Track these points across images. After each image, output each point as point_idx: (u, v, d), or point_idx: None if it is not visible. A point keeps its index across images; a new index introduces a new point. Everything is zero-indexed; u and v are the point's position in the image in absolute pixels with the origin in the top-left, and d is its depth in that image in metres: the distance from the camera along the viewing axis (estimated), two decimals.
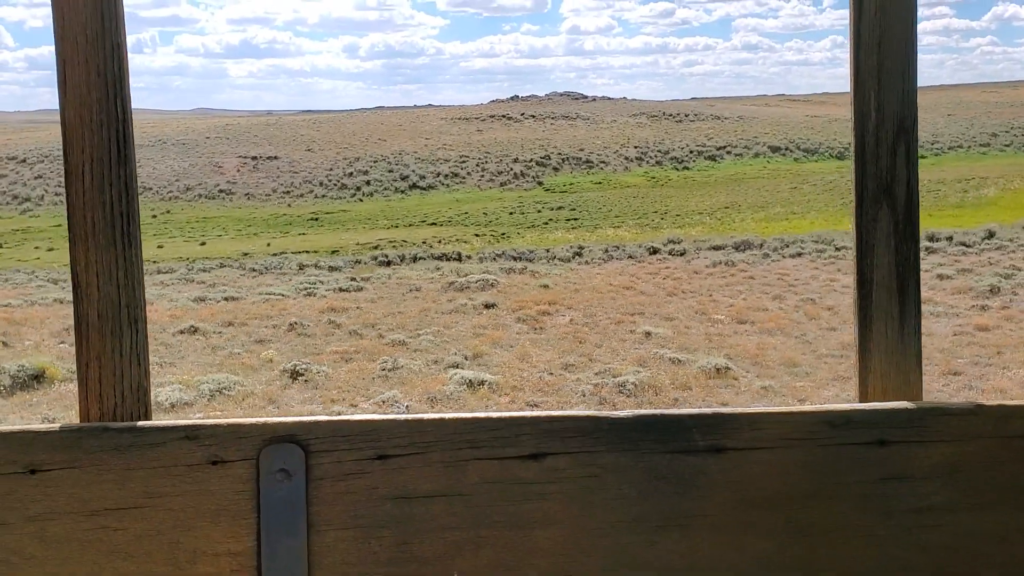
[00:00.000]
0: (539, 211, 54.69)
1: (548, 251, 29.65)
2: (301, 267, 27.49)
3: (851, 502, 1.57)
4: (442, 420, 1.55)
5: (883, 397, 1.63)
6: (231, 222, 54.27)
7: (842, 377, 7.74)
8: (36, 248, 44.62)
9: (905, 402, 1.61)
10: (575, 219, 50.48)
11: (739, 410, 1.60)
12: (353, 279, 16.48)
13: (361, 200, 62.74)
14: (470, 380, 7.42)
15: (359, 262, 29.86)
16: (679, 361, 8.39)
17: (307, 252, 39.16)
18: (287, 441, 1.53)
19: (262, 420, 1.55)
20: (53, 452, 1.52)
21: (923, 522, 1.58)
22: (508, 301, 12.71)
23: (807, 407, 1.61)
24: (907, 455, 1.57)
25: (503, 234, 45.13)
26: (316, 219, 54.54)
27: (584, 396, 7.09)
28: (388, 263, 28.99)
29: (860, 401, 1.65)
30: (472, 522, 1.54)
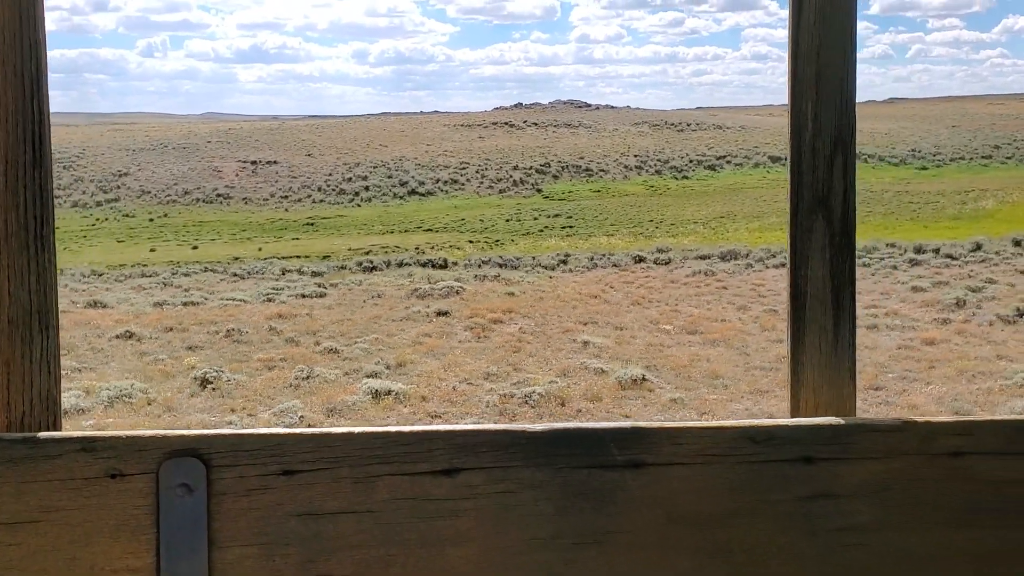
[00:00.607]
0: (535, 218, 54.65)
1: (535, 259, 29.59)
2: (284, 272, 27.47)
3: (775, 520, 1.53)
4: (350, 434, 1.50)
5: (815, 412, 1.59)
6: (226, 226, 54.33)
7: (760, 391, 7.65)
8: None
9: (831, 418, 1.57)
10: (570, 227, 50.41)
11: (658, 424, 1.55)
12: (321, 285, 16.44)
13: (359, 206, 62.76)
14: (377, 390, 7.33)
15: (344, 267, 29.82)
16: (602, 371, 8.30)
17: (297, 257, 39.18)
18: (188, 455, 1.48)
19: (162, 433, 1.50)
20: None
21: (849, 541, 1.54)
22: (465, 309, 12.65)
23: (729, 422, 1.56)
24: (833, 472, 1.53)
25: (497, 241, 45.09)
26: (312, 224, 54.57)
27: (488, 407, 6.99)
28: (373, 269, 28.97)
29: (792, 415, 1.61)
30: (382, 540, 1.49)
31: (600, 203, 61.28)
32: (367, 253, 39.06)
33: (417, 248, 41.83)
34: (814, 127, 1.59)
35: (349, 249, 41.84)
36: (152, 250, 43.06)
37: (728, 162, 77.73)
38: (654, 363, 8.94)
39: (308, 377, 8.28)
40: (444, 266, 30.33)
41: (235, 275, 26.54)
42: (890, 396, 7.69)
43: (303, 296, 14.68)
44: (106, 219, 58.38)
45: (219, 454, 1.49)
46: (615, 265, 29.03)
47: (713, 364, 9.17)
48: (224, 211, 61.10)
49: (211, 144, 77.74)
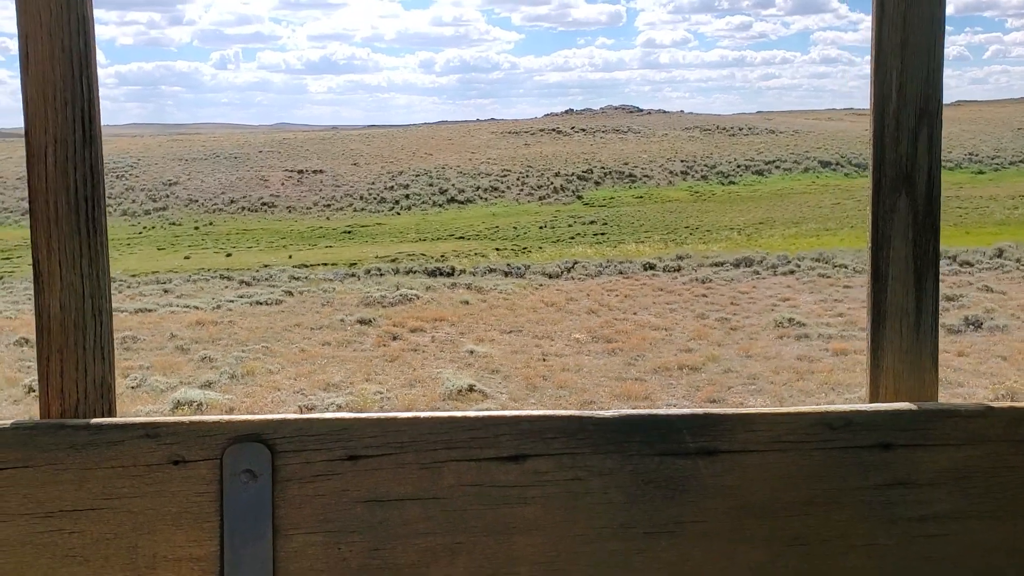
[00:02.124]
0: (570, 225, 54.45)
1: (543, 267, 29.45)
2: (292, 279, 27.82)
3: (851, 509, 1.48)
4: (416, 419, 1.47)
5: (895, 398, 1.54)
6: (267, 234, 55.26)
7: (587, 401, 7.48)
8: None
9: (909, 403, 1.52)
10: (603, 233, 50.10)
11: (732, 411, 1.51)
12: (290, 292, 16.56)
13: (398, 214, 63.30)
14: (179, 400, 7.35)
15: (353, 276, 30.10)
16: (447, 381, 8.20)
17: (325, 265, 39.63)
18: (252, 440, 1.45)
19: (227, 418, 1.48)
20: (6, 450, 1.44)
21: (929, 531, 1.49)
22: (396, 318, 12.62)
23: (806, 408, 1.52)
24: (912, 460, 1.48)
25: (525, 248, 45.02)
26: (349, 232, 55.18)
27: None
28: (381, 275, 29.16)
29: (871, 402, 1.56)
30: (448, 527, 1.46)
31: (640, 209, 60.81)
32: (394, 260, 39.37)
33: (443, 256, 42.00)
34: (899, 98, 1.50)
35: (376, 257, 42.19)
36: (187, 258, 44.00)
37: (777, 167, 76.51)
38: (516, 373, 8.81)
39: (137, 386, 8.33)
40: (451, 274, 30.40)
41: (243, 282, 26.95)
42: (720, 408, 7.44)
43: (258, 303, 14.84)
44: (153, 227, 59.85)
45: (285, 439, 1.45)
46: (621, 272, 28.79)
47: (578, 375, 9.03)
48: (268, 219, 62.18)
49: (262, 154, 79.20)
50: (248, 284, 26.17)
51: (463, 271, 29.76)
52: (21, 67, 1.47)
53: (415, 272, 29.53)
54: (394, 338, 10.95)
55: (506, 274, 28.69)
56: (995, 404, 1.52)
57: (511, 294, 17.26)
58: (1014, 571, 1.50)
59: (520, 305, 15.10)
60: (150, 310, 14.23)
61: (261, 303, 14.93)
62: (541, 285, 22.43)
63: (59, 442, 1.44)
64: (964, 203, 56.11)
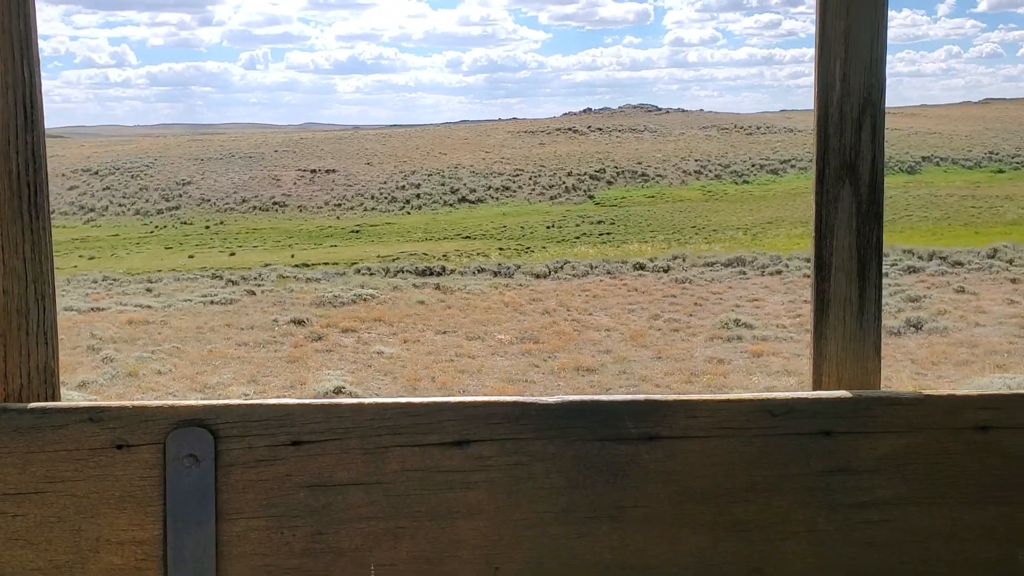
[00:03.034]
0: (577, 225, 54.25)
1: (532, 267, 29.32)
2: (282, 278, 27.90)
3: (792, 495, 1.49)
4: (360, 405, 1.48)
5: (838, 386, 1.54)
6: (276, 233, 55.50)
7: None
8: (79, 257, 46.45)
9: (850, 391, 1.52)
10: (608, 233, 49.87)
11: (674, 397, 1.51)
12: (251, 292, 16.57)
13: (409, 213, 63.37)
14: None
15: (341, 275, 30.14)
16: (327, 381, 8.12)
17: (325, 264, 39.70)
18: (196, 425, 1.46)
19: (169, 403, 1.49)
20: None
21: (869, 517, 1.50)
22: (336, 318, 12.58)
23: (747, 395, 1.52)
24: (853, 447, 1.49)
25: (527, 248, 44.92)
26: (357, 232, 55.30)
27: None
28: (371, 275, 29.16)
29: (814, 390, 1.56)
30: (392, 512, 1.47)
31: (650, 209, 60.47)
32: (395, 260, 39.39)
33: (445, 255, 41.98)
34: (842, 87, 1.51)
35: (378, 256, 42.23)
36: (191, 256, 44.27)
37: (792, 166, 75.82)
38: (406, 375, 8.73)
39: None
40: (441, 273, 30.34)
41: (230, 281, 27.05)
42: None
43: (212, 303, 14.84)
44: (164, 226, 60.30)
45: (228, 424, 1.46)
46: (609, 273, 28.65)
47: (470, 376, 8.95)
48: (278, 219, 62.46)
49: (277, 153, 79.58)
50: (235, 283, 26.25)
51: (453, 271, 29.74)
52: None
53: (405, 272, 29.53)
54: (318, 339, 10.91)
55: (495, 274, 28.62)
56: (934, 392, 1.52)
57: (478, 294, 17.18)
58: (952, 556, 1.49)
59: (477, 306, 15.02)
60: (101, 309, 14.28)
61: (215, 302, 14.95)
62: (521, 285, 22.34)
63: (2, 426, 1.44)
64: (979, 202, 55.31)
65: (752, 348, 10.16)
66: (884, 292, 14.51)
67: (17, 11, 1.44)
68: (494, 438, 1.47)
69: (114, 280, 29.72)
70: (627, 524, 1.48)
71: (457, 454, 1.47)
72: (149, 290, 23.33)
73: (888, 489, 1.49)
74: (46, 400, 1.50)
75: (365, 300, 14.84)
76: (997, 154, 77.88)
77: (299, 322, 12.03)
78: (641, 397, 1.50)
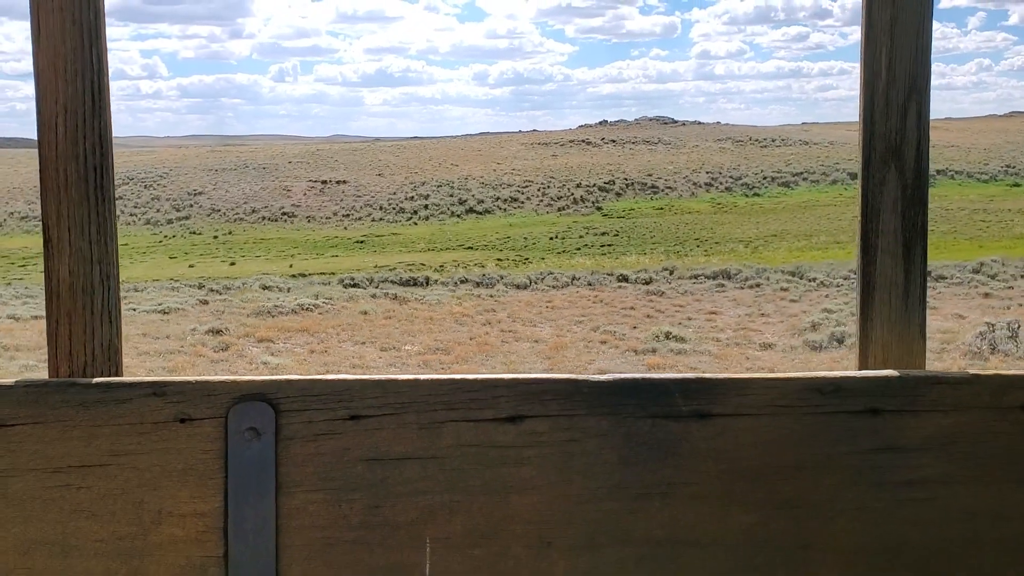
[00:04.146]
0: (581, 236, 54.14)
1: (516, 278, 29.25)
2: (264, 288, 28.00)
3: (840, 473, 1.51)
4: (416, 381, 1.51)
5: (884, 367, 1.57)
6: (283, 244, 55.81)
7: None
8: None
9: (897, 370, 1.55)
10: (610, 245, 49.72)
11: (724, 376, 1.54)
12: (202, 300, 16.64)
13: (416, 224, 63.51)
14: None
15: (327, 284, 30.20)
16: None
17: (322, 274, 39.82)
18: (257, 399, 1.49)
19: (231, 377, 1.53)
20: (16, 407, 1.48)
21: (916, 495, 1.51)
22: (259, 327, 12.60)
23: (796, 374, 1.54)
24: (900, 425, 1.51)
25: (526, 259, 44.85)
26: (362, 242, 55.49)
27: None
28: (355, 285, 29.23)
29: (860, 370, 1.59)
30: (446, 486, 1.50)
31: (656, 221, 60.24)
32: (392, 270, 39.45)
33: (442, 265, 42.00)
34: (888, 75, 1.55)
35: (375, 266, 42.35)
36: (191, 266, 44.61)
37: (805, 178, 75.26)
38: None
39: None
40: (426, 284, 30.33)
41: (212, 290, 27.18)
42: None
43: (156, 312, 14.93)
44: (173, 236, 60.81)
45: (288, 399, 1.49)
46: (589, 284, 28.58)
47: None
48: (286, 229, 62.82)
49: (291, 164, 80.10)
50: (219, 292, 26.38)
51: (437, 281, 29.74)
52: (32, 39, 1.50)
53: (389, 282, 29.57)
54: (223, 349, 10.94)
55: (478, 284, 28.61)
56: (982, 372, 1.54)
57: (433, 305, 17.15)
58: (997, 534, 1.51)
59: (421, 316, 15.00)
60: (37, 316, 14.41)
61: (160, 311, 15.03)
62: (492, 296, 22.31)
63: (69, 400, 1.47)
64: (989, 216, 54.63)
65: (649, 361, 10.07)
66: (833, 304, 14.23)
67: (87, 2, 1.50)
68: (547, 414, 1.49)
69: None
70: (677, 501, 1.49)
71: (511, 430, 1.48)
72: (123, 299, 23.52)
73: (934, 468, 1.50)
74: (110, 376, 1.52)
75: (308, 310, 14.87)
76: (1014, 167, 76.93)
77: (216, 332, 12.06)
78: (692, 376, 1.52)
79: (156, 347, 11.03)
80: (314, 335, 12.05)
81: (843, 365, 10.14)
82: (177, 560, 1.48)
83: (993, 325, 10.54)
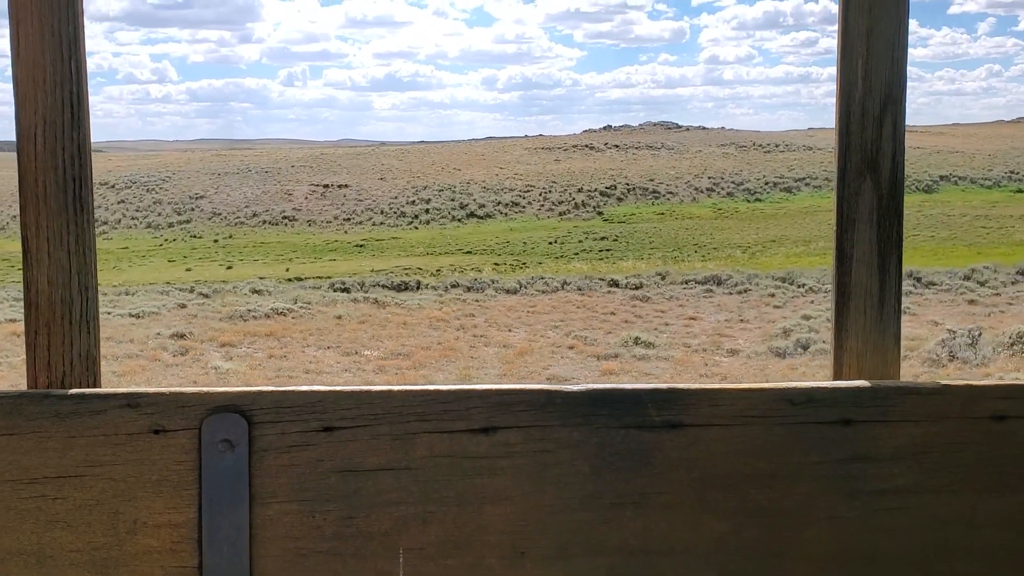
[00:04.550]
0: (580, 241, 54.09)
1: (506, 283, 29.21)
2: (255, 291, 28.01)
3: (813, 483, 1.53)
4: (389, 392, 1.53)
5: (858, 377, 1.58)
6: (279, 247, 55.88)
7: None
8: None
9: (869, 380, 1.56)
10: (609, 250, 49.66)
11: (696, 386, 1.55)
12: (180, 304, 16.65)
13: (416, 228, 63.54)
14: None
15: (316, 288, 30.25)
16: None
17: (318, 278, 39.87)
18: (230, 411, 1.51)
19: (205, 389, 1.55)
20: None
21: (889, 504, 1.54)
22: (225, 331, 12.59)
23: (768, 384, 1.55)
24: (872, 435, 1.53)
25: (523, 264, 44.85)
26: (361, 246, 55.53)
27: None
28: (346, 290, 29.24)
29: (834, 380, 1.60)
30: (420, 497, 1.51)
31: (656, 226, 60.17)
32: (387, 274, 39.46)
33: (438, 269, 41.98)
34: (864, 86, 1.56)
35: (372, 271, 42.36)
36: (188, 270, 44.66)
37: (807, 184, 75.10)
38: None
39: None
40: (417, 288, 30.32)
41: (201, 294, 27.21)
42: None
43: (131, 316, 14.93)
44: (174, 240, 60.95)
45: (262, 410, 1.50)
46: (579, 289, 28.53)
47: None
48: (286, 233, 62.90)
49: (294, 168, 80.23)
50: (208, 296, 26.39)
51: (427, 286, 29.71)
52: (12, 50, 1.51)
53: (379, 286, 29.54)
54: (183, 353, 10.92)
55: (468, 289, 28.55)
56: (953, 383, 1.54)
57: (412, 309, 17.11)
58: (969, 543, 1.52)
59: (395, 321, 14.97)
60: (14, 320, 14.44)
61: (136, 315, 15.04)
62: (478, 301, 22.28)
63: (44, 411, 1.48)
64: (990, 222, 54.40)
65: (606, 366, 10.02)
66: (814, 310, 14.15)
67: (66, 14, 1.51)
68: (520, 425, 1.50)
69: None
70: (650, 510, 1.51)
71: (484, 441, 1.50)
72: (112, 301, 23.54)
73: (907, 477, 1.51)
74: (89, 387, 1.53)
75: (281, 315, 14.85)
76: (1017, 173, 76.63)
77: (180, 336, 12.05)
78: (664, 386, 1.53)
79: (115, 351, 11.02)
80: (279, 339, 12.04)
81: (800, 372, 10.08)
82: (152, 570, 1.49)
83: (955, 332, 10.46)
